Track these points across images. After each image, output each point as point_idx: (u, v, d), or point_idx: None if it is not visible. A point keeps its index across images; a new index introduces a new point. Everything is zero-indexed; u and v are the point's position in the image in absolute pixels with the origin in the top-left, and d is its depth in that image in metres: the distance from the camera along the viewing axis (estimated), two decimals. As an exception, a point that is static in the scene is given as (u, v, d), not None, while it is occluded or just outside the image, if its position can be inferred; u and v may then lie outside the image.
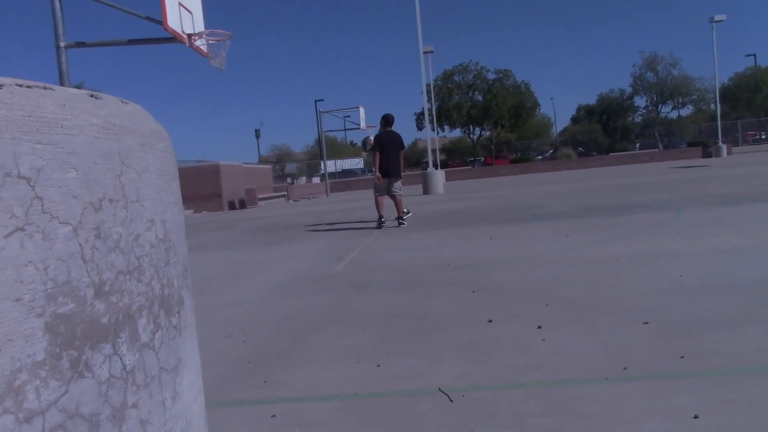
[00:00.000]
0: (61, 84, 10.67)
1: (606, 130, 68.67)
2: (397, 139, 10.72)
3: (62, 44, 10.48)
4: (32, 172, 0.93)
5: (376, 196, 10.74)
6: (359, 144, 12.22)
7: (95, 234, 1.04)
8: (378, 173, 10.45)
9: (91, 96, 1.12)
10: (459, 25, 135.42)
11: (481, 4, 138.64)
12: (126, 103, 1.25)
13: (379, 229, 10.14)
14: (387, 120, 10.70)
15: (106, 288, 1.06)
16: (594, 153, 60.70)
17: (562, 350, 3.00)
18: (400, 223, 10.43)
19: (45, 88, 1.01)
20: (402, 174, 10.72)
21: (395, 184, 10.54)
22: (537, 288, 4.53)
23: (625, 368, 2.66)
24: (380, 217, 10.55)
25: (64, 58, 10.55)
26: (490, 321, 3.67)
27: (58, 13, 10.44)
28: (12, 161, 0.90)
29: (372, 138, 10.84)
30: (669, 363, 2.69)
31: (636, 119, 70.93)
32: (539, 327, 3.42)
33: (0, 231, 0.88)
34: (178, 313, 1.33)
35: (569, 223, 8.63)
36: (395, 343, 3.39)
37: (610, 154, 52.06)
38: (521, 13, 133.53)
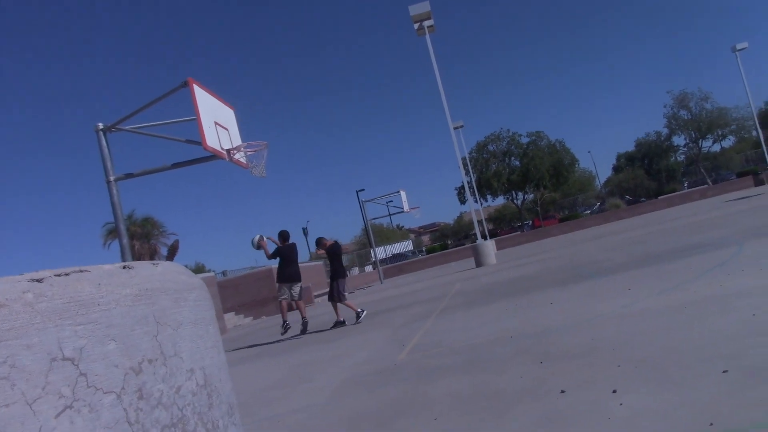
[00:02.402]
0: (115, 214, 11.17)
1: (650, 174, 67.68)
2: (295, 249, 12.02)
3: (112, 178, 11.01)
4: (75, 352, 0.99)
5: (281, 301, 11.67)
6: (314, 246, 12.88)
7: (138, 396, 1.08)
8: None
9: (124, 268, 1.19)
10: (486, 96, 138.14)
11: (504, 72, 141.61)
12: (156, 264, 1.31)
13: (437, 310, 10.06)
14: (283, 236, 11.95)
15: None
16: (642, 199, 59.61)
17: (641, 413, 2.87)
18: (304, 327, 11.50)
19: (81, 271, 1.09)
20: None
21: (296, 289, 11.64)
22: (607, 349, 4.38)
23: (711, 424, 2.53)
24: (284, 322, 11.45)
25: (114, 191, 11.05)
26: (562, 391, 3.55)
27: (106, 151, 11.03)
28: (56, 347, 0.96)
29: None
30: (757, 413, 2.54)
31: (678, 158, 69.82)
32: (614, 391, 3.29)
33: (51, 413, 0.93)
34: None
35: (629, 274, 8.41)
36: (468, 429, 3.30)
37: (660, 197, 51.01)
38: (544, 74, 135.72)
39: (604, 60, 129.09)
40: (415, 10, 25.26)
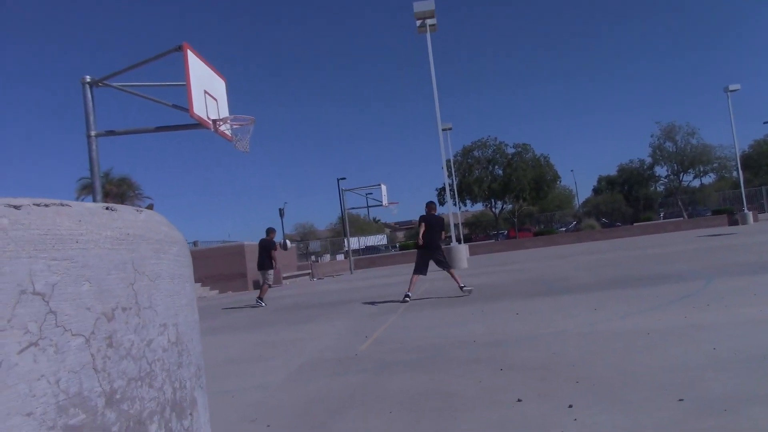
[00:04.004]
0: (91, 170, 10.99)
1: (628, 200, 68.33)
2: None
3: (93, 133, 10.83)
4: (47, 288, 0.95)
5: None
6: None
7: (107, 343, 1.05)
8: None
9: (107, 209, 1.15)
10: (477, 101, 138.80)
11: (499, 80, 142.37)
12: (140, 211, 1.28)
13: (404, 306, 10.08)
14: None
15: (118, 396, 1.06)
16: (618, 223, 60.21)
17: (594, 430, 2.90)
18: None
19: (62, 205, 1.04)
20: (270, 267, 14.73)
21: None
22: (566, 364, 4.42)
23: (661, 449, 2.56)
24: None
25: (94, 147, 10.88)
26: (519, 400, 3.57)
27: (90, 104, 10.85)
28: (27, 279, 0.92)
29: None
30: (707, 443, 2.58)
31: (658, 188, 70.62)
32: (570, 406, 3.32)
33: (14, 347, 0.89)
34: (191, 415, 1.31)
35: (596, 295, 8.50)
36: (421, 426, 3.30)
37: (635, 224, 51.54)
38: (537, 87, 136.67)
39: (598, 81, 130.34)
40: (419, 7, 25.01)
